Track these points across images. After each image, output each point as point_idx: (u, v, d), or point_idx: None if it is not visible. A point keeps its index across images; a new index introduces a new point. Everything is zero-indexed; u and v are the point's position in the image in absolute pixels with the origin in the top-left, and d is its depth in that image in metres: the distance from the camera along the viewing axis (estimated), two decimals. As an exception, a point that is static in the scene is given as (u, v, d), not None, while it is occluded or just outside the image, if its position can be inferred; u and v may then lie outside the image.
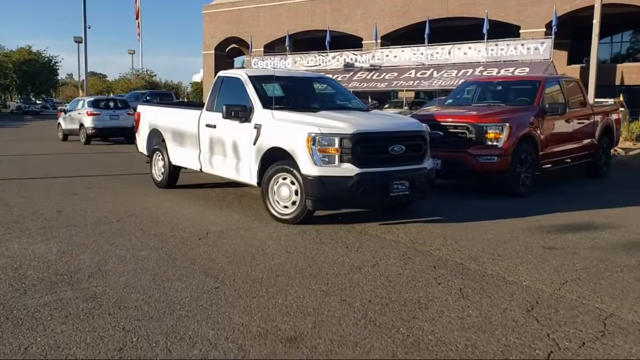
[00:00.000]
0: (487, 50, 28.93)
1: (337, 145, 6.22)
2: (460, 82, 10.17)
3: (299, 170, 6.42)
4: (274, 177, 6.77)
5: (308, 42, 39.72)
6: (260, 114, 7.11)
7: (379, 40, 34.00)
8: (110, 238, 6.01)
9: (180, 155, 8.81)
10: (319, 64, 35.09)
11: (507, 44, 28.57)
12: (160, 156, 9.39)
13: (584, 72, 32.51)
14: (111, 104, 20.50)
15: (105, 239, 5.96)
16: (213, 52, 45.15)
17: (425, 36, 30.82)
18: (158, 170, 9.53)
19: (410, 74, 30.56)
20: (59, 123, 21.94)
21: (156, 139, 9.74)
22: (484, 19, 30.12)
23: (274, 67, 35.65)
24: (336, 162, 6.25)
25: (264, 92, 7.45)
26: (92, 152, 16.86)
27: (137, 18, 73.35)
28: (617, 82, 33.01)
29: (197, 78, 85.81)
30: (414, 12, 34.25)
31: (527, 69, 26.72)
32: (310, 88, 8.34)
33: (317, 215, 6.88)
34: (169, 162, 9.14)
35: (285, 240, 5.99)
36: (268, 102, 7.21)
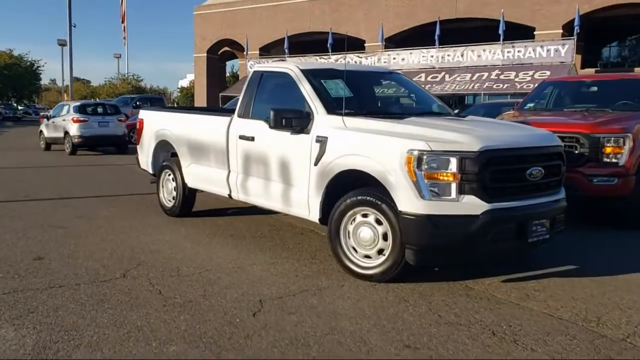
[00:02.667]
0: (503, 52, 27.13)
1: (455, 169, 4.18)
2: (537, 84, 8.28)
3: (392, 205, 4.38)
4: (348, 214, 4.72)
5: (306, 45, 37.68)
6: (324, 122, 5.05)
7: (383, 43, 32.07)
8: (116, 314, 3.91)
9: (200, 176, 6.72)
10: (321, 67, 33.10)
11: (525, 46, 26.80)
12: (172, 176, 7.28)
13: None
14: (100, 110, 18.28)
15: (108, 318, 3.86)
16: (205, 55, 42.94)
17: (436, 37, 28.95)
18: (168, 193, 7.42)
19: (421, 77, 28.62)
20: (41, 130, 19.67)
21: (165, 154, 7.64)
22: (495, 20, 28.34)
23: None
24: (453, 194, 4.21)
25: (326, 92, 5.39)
26: (79, 165, 14.64)
27: (122, 22, 71.00)
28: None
29: (184, 83, 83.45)
30: (420, 13, 32.39)
31: (548, 72, 24.94)
32: (378, 86, 6.28)
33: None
34: (183, 184, 7.03)
35: (386, 315, 3.93)
36: (335, 106, 5.17)
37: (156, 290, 4.45)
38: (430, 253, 4.38)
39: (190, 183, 6.98)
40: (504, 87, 25.40)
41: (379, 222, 4.55)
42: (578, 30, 25.14)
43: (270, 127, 5.24)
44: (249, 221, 7.10)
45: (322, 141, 4.95)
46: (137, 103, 29.91)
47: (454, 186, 4.20)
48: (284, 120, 5.12)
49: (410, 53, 30.40)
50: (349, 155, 4.71)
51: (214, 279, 4.74)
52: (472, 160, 4.19)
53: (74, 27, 34.46)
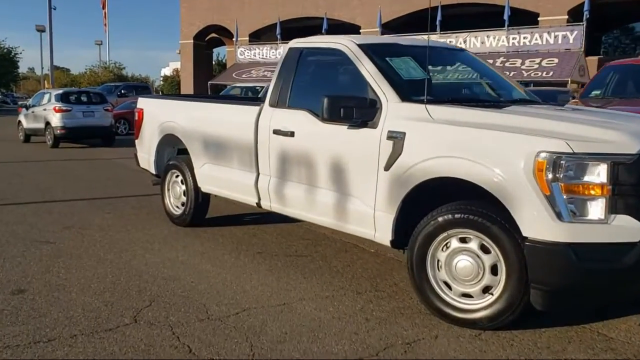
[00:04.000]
0: (508, 39, 25.94)
1: (605, 179, 2.98)
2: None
3: (507, 228, 3.18)
4: (439, 237, 3.51)
5: (298, 31, 36.08)
6: (397, 112, 3.83)
7: (381, 29, 30.74)
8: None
9: (218, 179, 5.46)
10: (315, 54, 31.69)
11: (531, 32, 25.62)
12: (180, 177, 6.01)
13: (602, 64, 29.93)
14: (84, 98, 16.80)
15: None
16: (191, 41, 41.21)
17: (437, 23, 27.65)
18: (175, 198, 6.14)
19: (421, 65, 27.33)
20: (20, 121, 18.13)
21: (171, 151, 6.36)
22: (498, 6, 27.15)
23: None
24: (601, 214, 3.01)
25: (395, 73, 4.15)
26: (62, 159, 13.23)
27: (103, 8, 68.77)
28: None
29: (166, 72, 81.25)
30: (417, -2, 31.08)
31: (556, 60, 23.87)
32: (450, 67, 5.05)
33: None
34: (196, 188, 5.78)
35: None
36: (409, 91, 3.94)
37: (183, 345, 3.21)
38: (568, 295, 3.19)
39: (205, 187, 5.71)
40: (511, 75, 24.23)
41: (485, 249, 3.35)
42: (587, 16, 24.01)
43: (323, 119, 4.00)
44: (274, 232, 5.87)
45: (396, 138, 3.71)
46: (122, 91, 28.42)
47: (602, 203, 3.01)
48: (342, 111, 3.88)
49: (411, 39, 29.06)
50: (440, 157, 3.48)
51: (258, 325, 3.51)
52: (628, 167, 3.00)
53: (54, 9, 32.66)
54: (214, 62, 53.29)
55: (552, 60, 23.86)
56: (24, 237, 5.64)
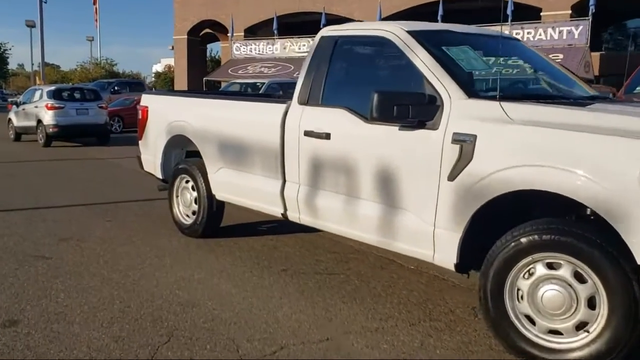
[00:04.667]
0: (511, 34, 25.37)
1: None
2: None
3: (614, 254, 2.60)
4: (521, 262, 2.91)
5: (294, 27, 35.48)
6: (464, 110, 3.23)
7: (379, 24, 30.11)
8: None
9: (236, 186, 4.85)
10: (313, 50, 30.94)
11: (535, 27, 25.11)
12: (191, 183, 5.39)
13: (605, 60, 29.50)
14: (77, 95, 16.07)
15: None
16: (185, 36, 40.43)
17: (439, 18, 27.05)
18: (185, 206, 5.52)
19: (422, 61, 26.75)
20: (10, 119, 17.38)
21: (180, 153, 5.74)
22: (500, 0, 26.63)
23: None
24: None
25: (456, 65, 3.54)
26: (55, 159, 12.54)
27: (94, 3, 67.82)
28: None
29: (158, 68, 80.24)
30: (418, -8, 30.49)
31: (561, 56, 23.34)
32: (508, 58, 4.43)
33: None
34: (210, 196, 5.15)
35: None
36: (475, 86, 3.35)
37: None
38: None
39: (220, 195, 5.09)
40: (514, 71, 23.69)
41: (580, 278, 2.76)
42: (594, 10, 23.49)
43: (371, 118, 3.38)
44: (295, 243, 5.26)
45: (464, 141, 3.11)
46: (115, 88, 27.63)
47: None
48: (396, 109, 3.26)
49: (410, 35, 28.42)
50: (524, 165, 2.88)
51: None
52: None
53: (45, 2, 31.79)
54: (207, 58, 52.52)
55: (557, 56, 23.32)
56: (15, 252, 5.01)
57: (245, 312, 3.65)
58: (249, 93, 10.83)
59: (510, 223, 3.02)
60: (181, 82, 41.05)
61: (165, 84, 54.41)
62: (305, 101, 4.18)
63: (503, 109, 3.08)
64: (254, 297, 3.92)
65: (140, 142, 6.19)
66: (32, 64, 57.04)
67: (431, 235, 3.31)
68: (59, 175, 9.91)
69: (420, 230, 3.37)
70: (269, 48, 32.66)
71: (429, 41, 3.61)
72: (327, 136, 3.91)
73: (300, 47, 31.49)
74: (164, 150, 5.72)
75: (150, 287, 4.10)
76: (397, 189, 3.50)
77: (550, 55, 24.05)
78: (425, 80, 3.42)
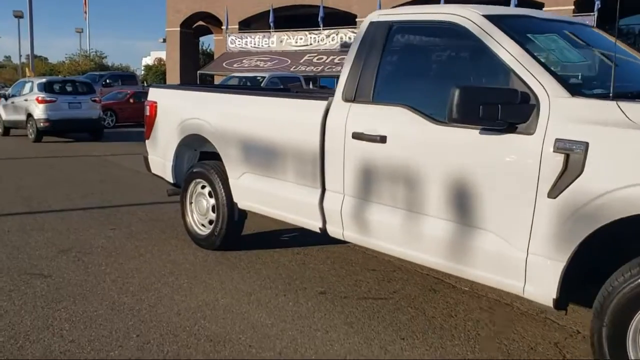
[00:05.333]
0: (514, 29, 24.81)
1: None
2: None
3: None
4: (650, 302, 2.31)
5: (289, 20, 34.73)
6: (568, 111, 2.64)
7: (378, 18, 29.47)
8: None
9: (264, 193, 4.23)
10: (310, 43, 30.19)
11: (539, 22, 24.55)
12: (208, 188, 4.77)
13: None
14: (69, 88, 15.32)
15: None
16: (178, 29, 39.51)
17: (440, 12, 26.50)
18: (200, 214, 4.90)
19: (423, 55, 26.18)
20: (-2, 112, 16.60)
21: (193, 154, 5.12)
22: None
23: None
24: None
25: (549, 57, 2.94)
26: (46, 156, 11.83)
27: (84, -6, 66.55)
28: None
29: (148, 61, 79.00)
30: (417, -15, 29.89)
31: (566, 52, 22.83)
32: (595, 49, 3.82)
33: None
34: (230, 203, 4.54)
35: None
36: (572, 81, 2.77)
37: None
38: None
39: (243, 203, 4.48)
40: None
41: None
42: (599, 6, 22.98)
43: (450, 119, 2.77)
44: (326, 258, 4.67)
45: (571, 150, 2.52)
46: (107, 81, 26.82)
47: None
48: (482, 109, 2.66)
49: (411, 29, 27.79)
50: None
51: None
52: None
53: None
54: (199, 52, 51.61)
55: (562, 52, 22.81)
56: (9, 267, 4.37)
57: (289, 351, 3.04)
58: (275, 88, 10.17)
59: (632, 250, 2.43)
60: (173, 76, 40.20)
61: (156, 78, 53.48)
62: (351, 98, 3.57)
63: (622, 110, 2.49)
64: (294, 329, 3.32)
65: (147, 141, 5.56)
66: (20, 56, 55.92)
67: (522, 263, 2.72)
68: (52, 174, 9.22)
69: (507, 256, 2.78)
70: (265, 41, 31.90)
71: (512, 28, 3.01)
72: (383, 139, 3.30)
73: (297, 40, 30.77)
74: (176, 152, 5.09)
75: (171, 316, 3.48)
76: (475, 205, 2.90)
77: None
78: (514, 74, 2.82)
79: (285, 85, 15.84)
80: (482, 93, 2.70)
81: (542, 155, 2.62)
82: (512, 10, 3.76)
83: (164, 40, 45.74)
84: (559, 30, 3.32)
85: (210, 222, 4.82)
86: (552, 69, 2.79)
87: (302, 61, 29.01)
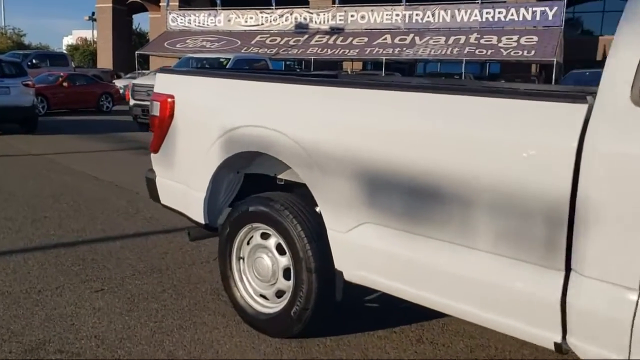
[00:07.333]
0: (481, 13, 23.70)
1: None
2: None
3: None
4: None
5: (238, -2, 32.34)
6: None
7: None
8: None
9: (407, 263, 2.43)
10: (262, 23, 27.94)
11: (507, 7, 23.53)
12: (273, 239, 2.92)
13: (573, 45, 28.47)
14: (-7, 69, 12.62)
15: None
16: (110, 5, 36.21)
17: (408, -5, 25.02)
18: (262, 281, 3.02)
19: (386, 39, 24.66)
20: None
21: (235, 179, 3.22)
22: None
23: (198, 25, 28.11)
24: None
25: None
26: (-31, 155, 9.34)
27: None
28: (599, 58, 29.30)
29: (70, 41, 73.46)
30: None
31: (536, 38, 21.93)
32: None
33: None
34: (325, 271, 2.69)
35: None
36: None
37: None
38: None
39: (356, 273, 2.65)
40: (488, 53, 22.16)
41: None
42: (566, -14, 22.24)
43: None
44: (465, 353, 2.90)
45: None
46: (33, 61, 23.51)
47: None
48: None
49: (372, 10, 26.19)
50: None
51: None
52: None
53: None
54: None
55: (532, 38, 21.96)
56: None
57: None
58: (316, 73, 8.21)
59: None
60: (106, 57, 36.92)
61: (84, 59, 49.35)
62: (643, 99, 1.80)
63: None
64: None
65: (154, 155, 3.59)
66: None
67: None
68: (-19, 184, 6.91)
69: None
70: (211, 20, 29.40)
71: None
72: None
73: (247, 19, 28.49)
74: (213, 177, 3.14)
75: None
76: None
77: (524, 37, 22.63)
78: None
79: (252, 68, 13.79)
80: None
81: None
82: None
83: (91, 18, 42.13)
84: None
85: (279, 294, 2.96)
86: None
87: (253, 42, 26.83)
